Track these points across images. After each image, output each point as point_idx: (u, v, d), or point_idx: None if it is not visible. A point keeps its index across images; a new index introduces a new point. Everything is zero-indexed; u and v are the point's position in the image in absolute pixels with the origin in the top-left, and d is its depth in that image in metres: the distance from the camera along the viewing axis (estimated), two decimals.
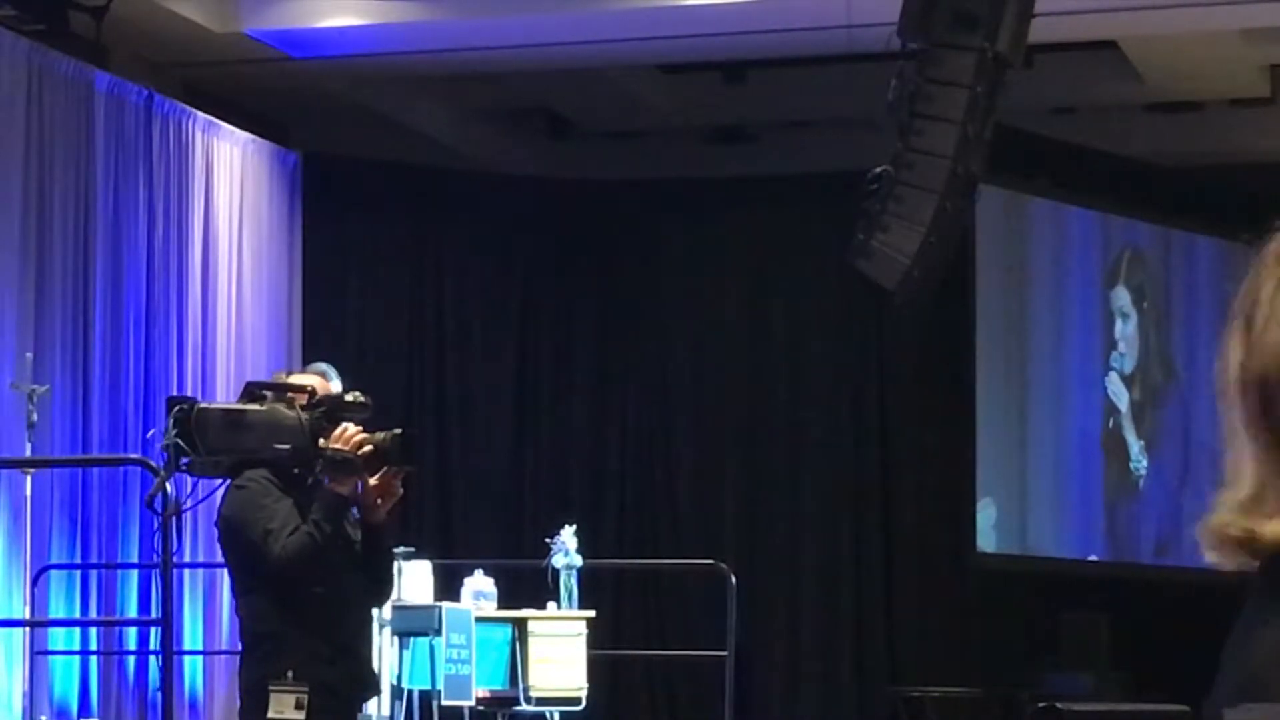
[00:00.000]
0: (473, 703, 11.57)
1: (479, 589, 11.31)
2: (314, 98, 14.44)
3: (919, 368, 15.42)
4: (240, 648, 6.10)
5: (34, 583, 11.17)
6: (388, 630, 10.72)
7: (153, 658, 10.73)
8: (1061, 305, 15.07)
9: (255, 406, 5.79)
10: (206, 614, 13.24)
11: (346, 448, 5.80)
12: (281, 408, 5.81)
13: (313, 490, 5.87)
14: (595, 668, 12.01)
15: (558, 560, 11.68)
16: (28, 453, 10.97)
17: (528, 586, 11.14)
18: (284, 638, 5.92)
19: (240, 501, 5.94)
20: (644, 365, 16.17)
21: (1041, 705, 13.07)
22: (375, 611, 9.04)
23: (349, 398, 5.87)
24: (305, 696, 5.77)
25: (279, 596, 5.92)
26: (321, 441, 5.81)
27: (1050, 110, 15.26)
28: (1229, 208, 15.30)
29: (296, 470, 5.88)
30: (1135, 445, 15.35)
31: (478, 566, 11.62)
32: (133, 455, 11.36)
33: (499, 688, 11.24)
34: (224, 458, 5.80)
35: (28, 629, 11.12)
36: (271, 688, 5.82)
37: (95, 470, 12.38)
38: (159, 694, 10.84)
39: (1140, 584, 15.02)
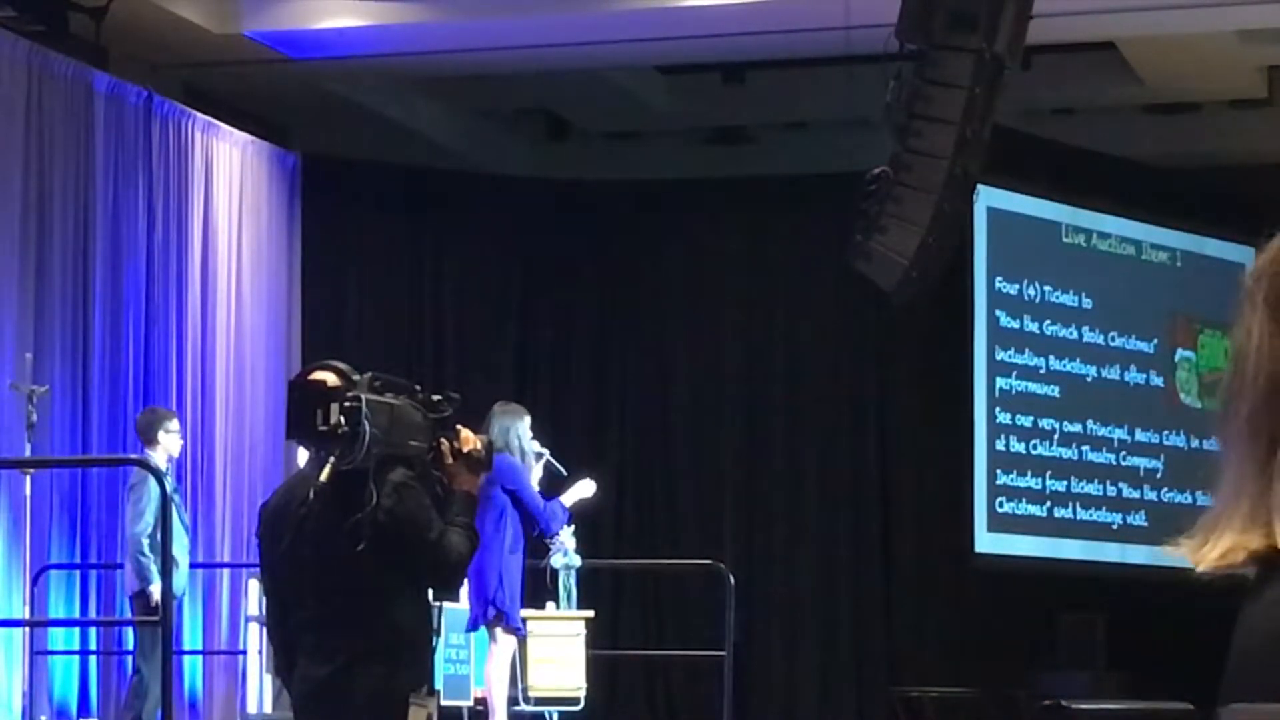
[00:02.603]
0: (471, 703, 11.59)
1: None
2: (313, 98, 14.45)
3: (918, 368, 15.43)
4: (358, 653, 5.50)
5: (34, 583, 11.18)
6: None
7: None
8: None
9: (395, 401, 5.62)
10: (206, 614, 13.26)
11: (479, 448, 5.71)
12: (409, 404, 5.66)
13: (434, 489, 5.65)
14: (594, 668, 12.02)
15: (557, 560, 11.69)
16: (28, 453, 10.98)
17: (527, 586, 11.16)
18: (424, 647, 5.73)
19: (415, 500, 5.60)
20: (643, 365, 16.18)
21: (1047, 703, 13.09)
22: None
23: (443, 396, 5.75)
24: (435, 712, 5.59)
25: (426, 602, 5.76)
26: (452, 444, 5.67)
27: (1048, 111, 15.28)
28: (1227, 209, 15.32)
29: (435, 471, 5.65)
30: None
31: None
32: (132, 455, 11.36)
33: None
34: (377, 449, 5.51)
35: (28, 629, 11.13)
36: (413, 700, 5.58)
37: (95, 470, 12.39)
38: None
39: (1137, 584, 15.03)
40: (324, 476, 5.46)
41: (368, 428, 5.37)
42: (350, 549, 5.41)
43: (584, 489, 11.04)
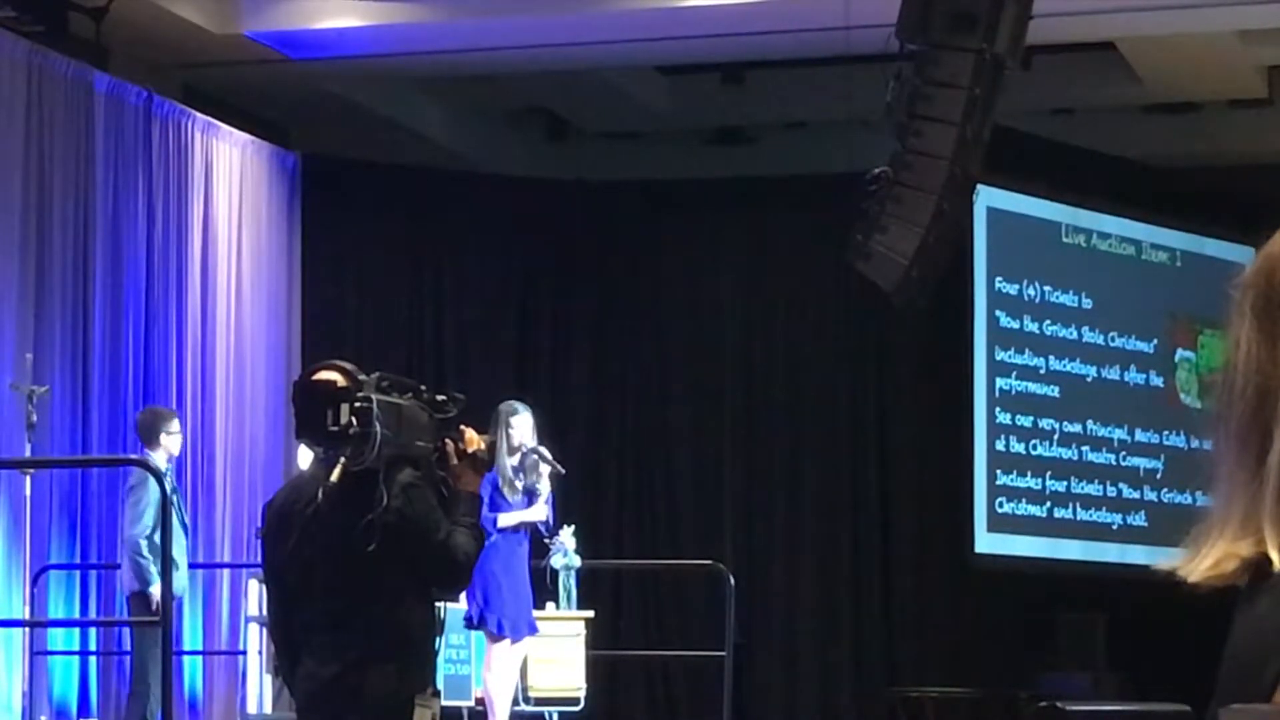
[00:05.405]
0: (472, 703, 11.59)
1: None
2: (313, 99, 14.45)
3: (918, 368, 15.43)
4: (365, 653, 5.51)
5: (34, 583, 11.18)
6: None
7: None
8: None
9: (403, 401, 5.61)
10: (206, 614, 13.26)
11: (483, 448, 5.71)
12: (415, 404, 5.65)
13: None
14: (594, 668, 12.02)
15: (556, 561, 11.69)
16: (28, 453, 10.98)
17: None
18: (430, 647, 5.69)
19: (423, 501, 5.59)
20: (642, 365, 16.18)
21: (1043, 704, 13.08)
22: None
23: (448, 396, 5.74)
24: (439, 712, 5.59)
25: (431, 603, 5.75)
26: (457, 444, 5.66)
27: (1048, 111, 15.28)
28: (1227, 209, 15.32)
29: (440, 471, 5.64)
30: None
31: None
32: (132, 455, 11.36)
33: None
34: (387, 450, 5.50)
35: (28, 629, 11.14)
36: (418, 700, 5.56)
37: (95, 470, 12.39)
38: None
39: (1137, 584, 15.01)
40: (334, 477, 5.45)
41: (379, 428, 5.37)
42: (361, 549, 5.41)
43: (534, 514, 10.77)
